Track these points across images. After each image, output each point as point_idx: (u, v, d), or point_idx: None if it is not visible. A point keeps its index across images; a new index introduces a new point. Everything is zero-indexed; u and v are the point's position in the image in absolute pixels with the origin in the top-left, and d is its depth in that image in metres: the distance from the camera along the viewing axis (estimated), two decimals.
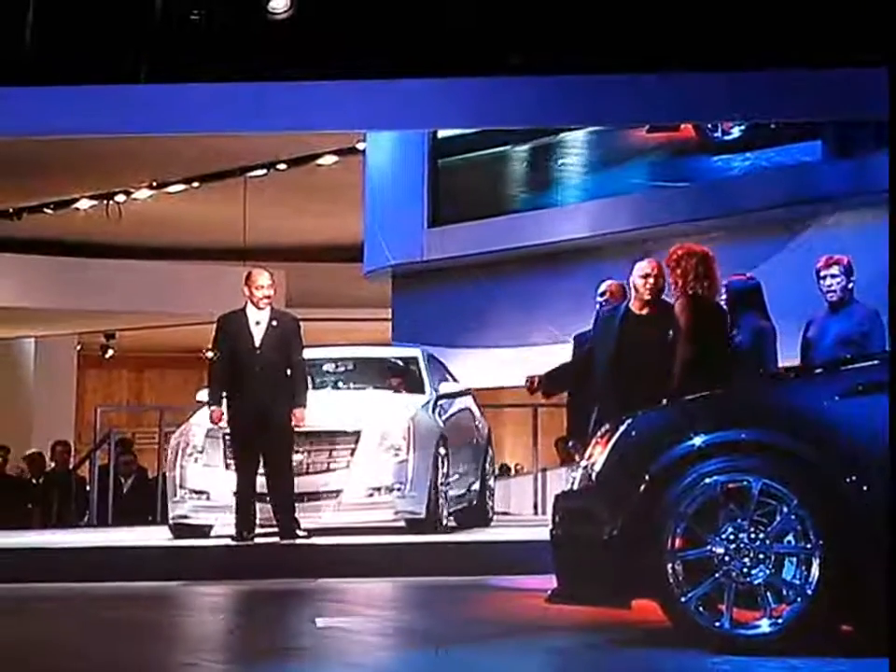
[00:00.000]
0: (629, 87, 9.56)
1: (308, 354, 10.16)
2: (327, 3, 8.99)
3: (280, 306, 11.63)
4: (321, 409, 9.66)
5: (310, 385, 9.80)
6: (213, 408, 9.25)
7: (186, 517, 9.60)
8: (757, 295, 8.46)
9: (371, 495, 9.46)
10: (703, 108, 10.03)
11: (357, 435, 9.55)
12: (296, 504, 9.25)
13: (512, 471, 18.90)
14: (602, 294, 9.00)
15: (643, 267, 7.98)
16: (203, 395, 9.68)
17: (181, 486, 9.62)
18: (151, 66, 8.84)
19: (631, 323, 7.96)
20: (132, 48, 8.83)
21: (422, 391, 10.60)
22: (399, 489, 9.46)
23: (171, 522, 9.72)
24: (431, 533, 9.50)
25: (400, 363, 11.26)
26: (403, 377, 10.99)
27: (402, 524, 9.64)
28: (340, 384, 10.99)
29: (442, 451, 9.94)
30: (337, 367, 11.15)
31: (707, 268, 7.66)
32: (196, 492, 9.55)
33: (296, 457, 9.35)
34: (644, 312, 7.95)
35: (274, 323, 9.26)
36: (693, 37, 8.90)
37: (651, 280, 7.88)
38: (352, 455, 9.50)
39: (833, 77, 9.08)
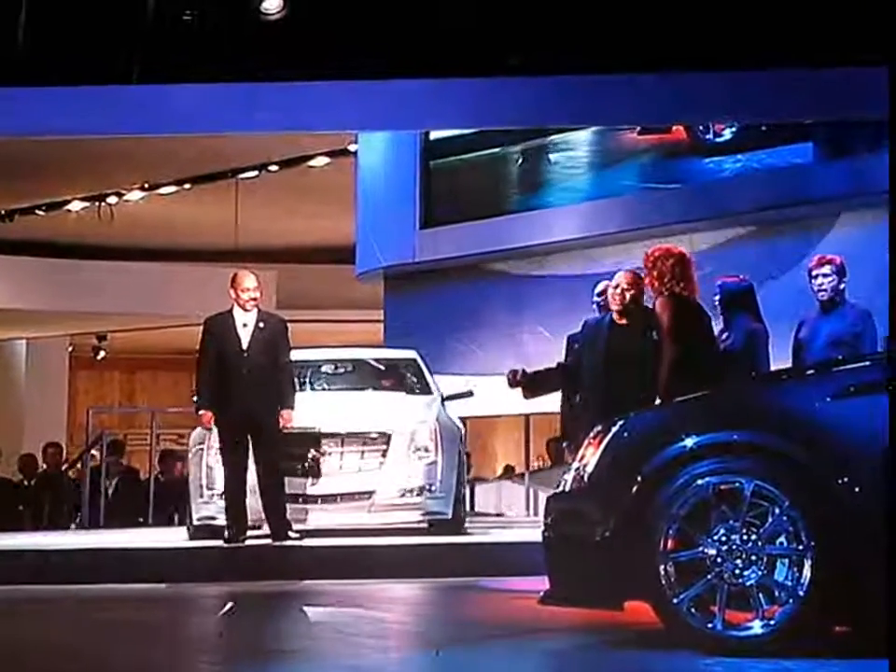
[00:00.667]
0: (626, 87, 9.55)
1: (307, 355, 10.20)
2: (319, 3, 8.98)
3: (271, 307, 11.65)
4: (349, 410, 9.81)
5: (317, 387, 9.88)
6: (201, 412, 9.24)
7: (213, 518, 9.51)
8: (749, 296, 8.48)
9: (403, 496, 9.57)
10: (701, 108, 10.03)
11: (387, 436, 9.64)
12: (329, 505, 9.34)
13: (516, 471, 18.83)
14: (599, 295, 8.97)
15: (616, 278, 8.09)
16: None
17: (209, 487, 9.57)
18: (144, 67, 8.83)
19: (614, 332, 8.03)
20: (124, 48, 8.81)
21: (426, 392, 10.63)
22: (429, 490, 9.57)
23: (195, 523, 9.66)
24: (456, 534, 9.64)
25: (399, 365, 11.27)
26: (401, 379, 11.00)
27: (425, 524, 9.73)
28: (342, 385, 10.99)
29: (461, 451, 10.12)
30: (336, 368, 11.18)
31: (683, 269, 7.69)
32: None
33: (328, 458, 9.43)
34: (623, 321, 8.02)
35: (262, 325, 9.25)
36: (691, 37, 8.89)
37: (619, 291, 7.97)
38: (383, 455, 9.60)
39: (833, 77, 9.08)
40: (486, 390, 11.38)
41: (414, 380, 10.89)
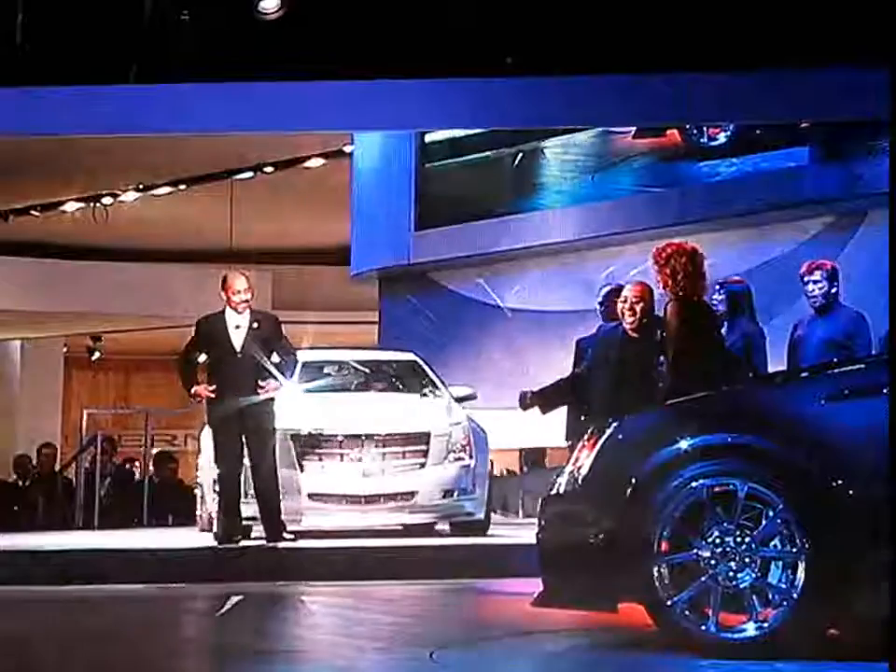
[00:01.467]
0: (622, 88, 9.54)
1: (310, 356, 10.30)
2: (317, 3, 8.98)
3: (266, 308, 11.64)
4: (385, 412, 9.95)
5: (328, 388, 10.06)
6: (194, 390, 9.18)
7: (255, 518, 9.38)
8: (748, 299, 8.49)
9: (444, 496, 9.73)
10: (698, 110, 10.01)
11: (427, 438, 9.75)
12: (371, 505, 9.41)
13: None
14: (601, 303, 8.91)
15: (625, 291, 8.07)
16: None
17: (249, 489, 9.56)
18: (141, 66, 8.83)
19: (626, 345, 8.01)
20: (121, 48, 8.81)
21: (438, 395, 10.65)
22: (465, 491, 9.77)
23: None
24: (483, 535, 9.83)
25: (405, 367, 11.29)
26: (410, 381, 11.02)
27: (457, 525, 9.93)
28: (355, 386, 11.00)
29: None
30: (340, 369, 11.21)
31: (696, 265, 7.61)
32: None
33: (370, 460, 9.50)
34: (635, 335, 7.99)
35: (255, 325, 9.23)
36: (689, 37, 8.88)
37: (629, 306, 7.94)
38: (424, 456, 9.73)
39: (832, 78, 9.06)
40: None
41: (423, 382, 10.91)
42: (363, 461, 9.60)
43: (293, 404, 9.67)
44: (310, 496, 9.46)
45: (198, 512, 10.95)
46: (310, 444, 9.63)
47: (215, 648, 5.92)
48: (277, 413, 9.18)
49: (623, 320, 8.01)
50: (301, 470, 9.56)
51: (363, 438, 9.63)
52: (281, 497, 9.17)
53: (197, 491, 11.08)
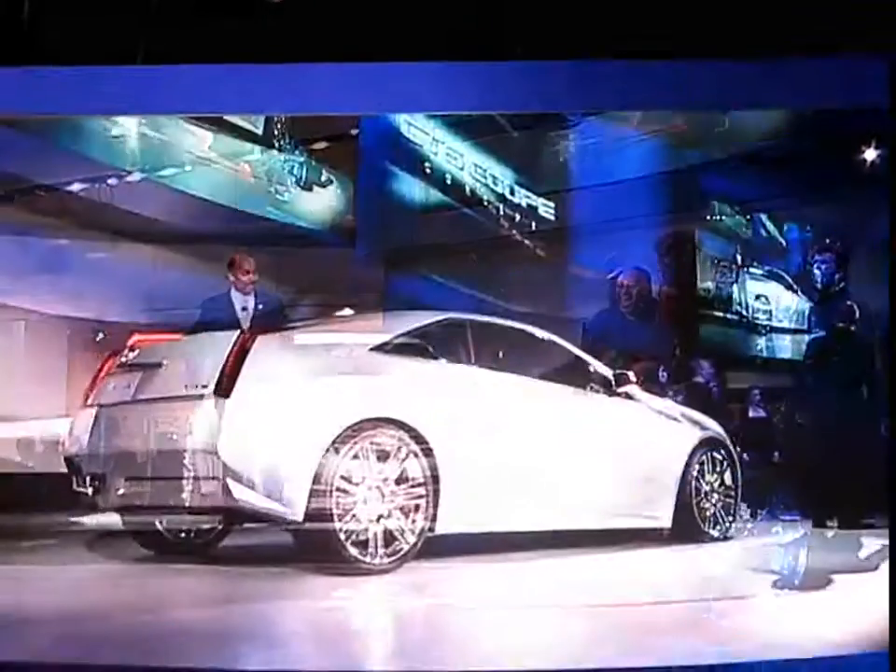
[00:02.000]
0: (626, 73, 9.55)
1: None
2: None
3: (271, 290, 11.66)
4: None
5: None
6: None
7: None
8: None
9: None
10: (698, 97, 10.01)
11: None
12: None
13: None
14: (611, 278, 8.99)
15: (621, 277, 8.23)
16: None
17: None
18: (148, 48, 8.85)
19: (625, 326, 8.12)
20: (129, 28, 8.83)
21: None
22: None
23: None
24: None
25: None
26: None
27: None
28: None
29: None
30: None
31: (696, 255, 7.71)
32: None
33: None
34: (632, 318, 8.12)
35: (261, 307, 9.28)
36: (691, 25, 8.91)
37: (625, 290, 8.11)
38: None
39: (831, 67, 9.08)
40: None
41: None
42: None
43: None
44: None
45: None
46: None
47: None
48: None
49: (620, 303, 8.17)
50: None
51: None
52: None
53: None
